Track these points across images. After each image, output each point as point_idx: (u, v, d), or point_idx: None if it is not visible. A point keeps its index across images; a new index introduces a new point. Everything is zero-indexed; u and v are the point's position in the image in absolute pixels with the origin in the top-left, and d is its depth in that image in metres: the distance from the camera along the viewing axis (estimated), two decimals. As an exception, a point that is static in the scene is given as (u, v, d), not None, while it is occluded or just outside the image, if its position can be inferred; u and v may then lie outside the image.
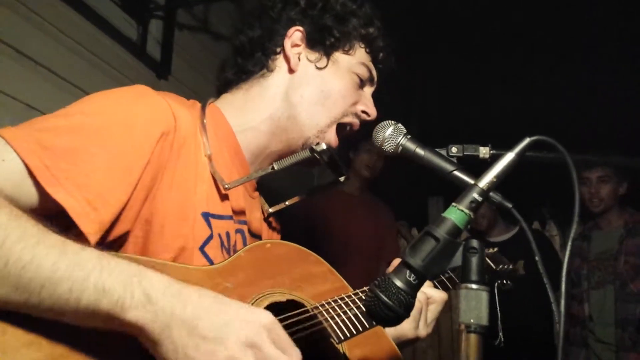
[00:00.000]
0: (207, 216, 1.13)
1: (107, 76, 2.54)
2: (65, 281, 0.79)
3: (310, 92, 1.27)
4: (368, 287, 0.91)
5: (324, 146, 1.20)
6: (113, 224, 0.97)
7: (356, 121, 1.34)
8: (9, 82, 2.03)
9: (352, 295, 1.22)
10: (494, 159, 0.95)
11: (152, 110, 1.05)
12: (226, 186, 1.16)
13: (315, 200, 3.81)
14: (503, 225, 3.96)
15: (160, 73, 2.97)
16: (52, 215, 0.89)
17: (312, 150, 1.21)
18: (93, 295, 0.80)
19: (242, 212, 1.25)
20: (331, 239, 3.66)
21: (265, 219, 1.40)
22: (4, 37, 2.00)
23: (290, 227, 1.51)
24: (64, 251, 0.81)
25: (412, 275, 0.86)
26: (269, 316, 0.88)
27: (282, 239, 1.46)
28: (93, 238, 0.91)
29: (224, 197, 1.18)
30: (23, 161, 0.89)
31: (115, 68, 2.62)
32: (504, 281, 1.52)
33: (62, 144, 0.93)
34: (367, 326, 1.16)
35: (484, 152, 1.03)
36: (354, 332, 1.13)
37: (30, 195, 0.90)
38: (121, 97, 1.06)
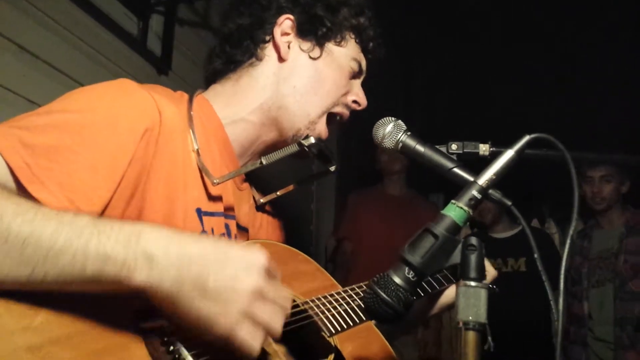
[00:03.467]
0: (200, 213, 1.12)
1: (107, 71, 2.54)
2: (67, 252, 0.79)
3: (303, 82, 1.26)
4: (367, 284, 0.91)
5: (312, 140, 1.20)
6: None
7: (346, 112, 1.33)
8: (10, 76, 2.03)
9: (342, 292, 1.23)
10: (493, 157, 0.95)
11: (136, 106, 1.04)
12: (215, 181, 1.15)
13: (360, 201, 3.99)
14: (507, 221, 3.96)
15: (161, 68, 2.96)
16: None
17: (300, 144, 1.20)
18: (97, 263, 0.79)
19: (230, 207, 1.24)
20: (372, 240, 3.71)
21: (257, 209, 1.39)
22: (5, 31, 2.00)
23: (297, 226, 1.52)
24: (61, 220, 0.80)
25: (411, 272, 0.86)
26: (263, 257, 0.90)
27: (275, 226, 1.47)
28: None
29: (213, 193, 1.18)
30: (4, 159, 0.88)
31: (116, 63, 2.61)
32: (490, 285, 1.52)
33: (45, 141, 0.92)
34: (358, 321, 1.17)
35: (484, 149, 1.03)
36: (345, 326, 1.14)
37: (15, 191, 0.89)
38: (104, 93, 1.04)
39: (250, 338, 0.85)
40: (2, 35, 1.99)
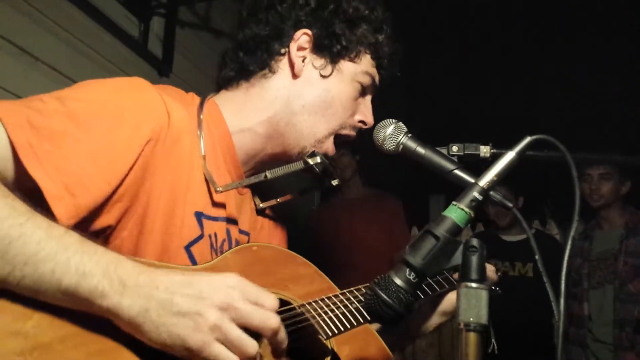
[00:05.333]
0: (200, 216, 1.12)
1: (108, 73, 2.54)
2: (49, 261, 0.81)
3: (312, 101, 1.24)
4: (368, 286, 0.91)
5: (318, 159, 1.19)
6: (96, 215, 0.97)
7: (353, 133, 1.32)
8: (10, 78, 2.03)
9: (340, 295, 1.23)
10: (494, 158, 0.95)
11: (145, 105, 1.04)
12: (218, 189, 1.15)
13: (320, 214, 3.97)
14: (520, 225, 3.92)
15: (162, 70, 2.97)
16: (30, 192, 0.88)
17: (305, 162, 1.20)
18: (74, 278, 0.81)
19: (232, 212, 1.24)
20: (341, 247, 3.72)
21: (258, 213, 1.39)
22: (5, 33, 2.00)
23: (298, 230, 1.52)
24: (50, 233, 0.83)
25: (412, 273, 0.86)
26: (234, 276, 0.91)
27: (277, 228, 1.47)
28: (65, 223, 0.90)
29: (216, 198, 1.18)
30: (8, 136, 0.89)
31: (117, 65, 2.62)
32: (493, 287, 1.51)
33: (51, 125, 0.93)
34: (355, 323, 1.16)
35: (485, 151, 1.03)
36: (342, 329, 1.14)
37: (12, 170, 0.91)
38: (117, 88, 1.05)
39: (223, 354, 0.85)
40: (2, 37, 1.99)
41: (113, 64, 2.60)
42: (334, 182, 1.32)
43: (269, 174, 1.21)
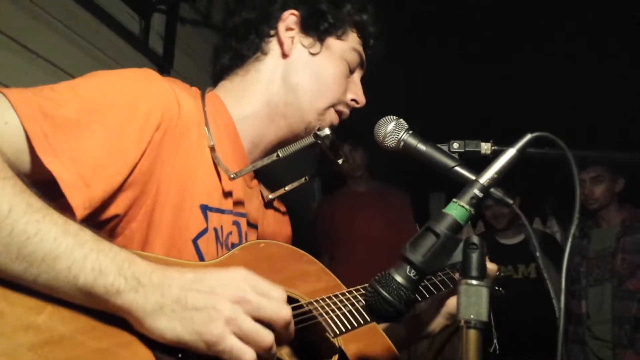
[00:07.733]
0: (205, 209, 1.13)
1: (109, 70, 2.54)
2: (66, 259, 0.81)
3: (305, 79, 1.28)
4: (368, 283, 0.91)
5: (327, 132, 1.21)
6: (106, 204, 0.97)
7: (347, 110, 1.35)
8: (11, 75, 2.03)
9: (347, 293, 1.23)
10: (495, 155, 0.95)
11: (157, 95, 1.05)
12: (232, 176, 1.16)
13: (326, 207, 3.96)
14: (516, 227, 3.93)
15: (163, 67, 2.97)
16: (42, 184, 0.88)
17: (316, 136, 1.21)
18: (90, 276, 0.81)
19: (240, 204, 1.25)
20: (348, 239, 3.73)
21: (266, 205, 1.40)
22: (7, 30, 2.00)
23: (299, 225, 1.52)
24: (66, 230, 0.82)
25: (413, 270, 0.86)
26: (243, 270, 0.92)
27: (282, 224, 1.47)
28: (80, 213, 0.91)
29: (225, 189, 1.18)
30: (23, 126, 0.89)
31: (118, 62, 2.62)
32: (497, 287, 1.51)
33: (65, 115, 0.93)
34: (362, 322, 1.17)
35: (486, 148, 1.03)
36: (349, 327, 1.14)
37: (26, 161, 0.91)
38: (128, 78, 1.06)
39: (237, 345, 0.85)
40: (4, 33, 1.99)
41: (114, 60, 2.60)
42: (340, 162, 1.34)
43: (280, 153, 1.22)
